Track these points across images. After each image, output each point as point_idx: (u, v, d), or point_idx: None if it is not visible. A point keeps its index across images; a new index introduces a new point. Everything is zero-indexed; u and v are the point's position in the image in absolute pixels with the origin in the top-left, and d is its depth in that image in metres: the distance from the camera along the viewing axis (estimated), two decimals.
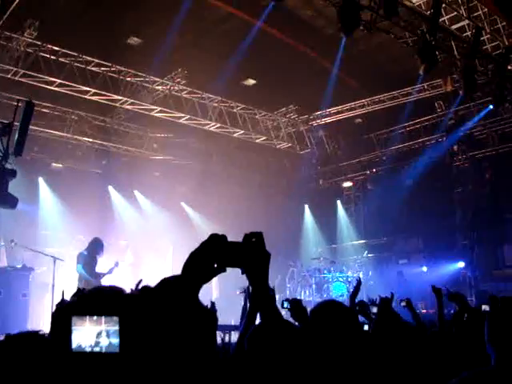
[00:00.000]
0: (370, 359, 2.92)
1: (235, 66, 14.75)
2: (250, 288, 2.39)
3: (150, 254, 18.85)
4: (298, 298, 17.62)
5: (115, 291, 2.36)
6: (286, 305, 5.01)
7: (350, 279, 17.37)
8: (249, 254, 2.22)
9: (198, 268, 2.15)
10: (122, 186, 19.61)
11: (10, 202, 10.94)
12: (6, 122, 10.53)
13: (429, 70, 12.53)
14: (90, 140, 18.36)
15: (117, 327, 2.15)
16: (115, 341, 2.15)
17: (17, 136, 10.38)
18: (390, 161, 19.39)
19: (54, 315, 4.20)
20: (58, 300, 10.90)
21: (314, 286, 17.64)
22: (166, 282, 2.49)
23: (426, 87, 16.68)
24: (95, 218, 16.74)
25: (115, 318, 2.16)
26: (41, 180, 17.96)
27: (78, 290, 4.18)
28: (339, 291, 17.40)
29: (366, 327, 5.43)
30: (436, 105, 17.69)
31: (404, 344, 3.74)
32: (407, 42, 13.27)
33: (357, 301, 6.75)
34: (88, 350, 2.14)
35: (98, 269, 12.32)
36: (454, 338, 4.96)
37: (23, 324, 10.26)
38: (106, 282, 11.82)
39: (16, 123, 10.84)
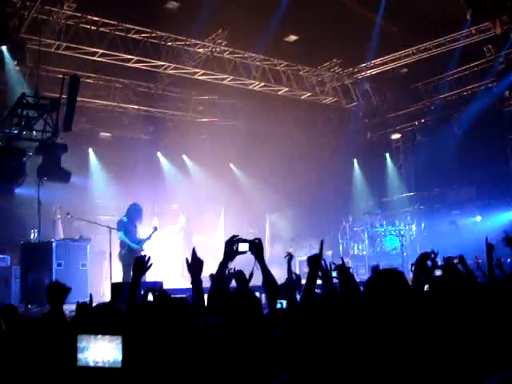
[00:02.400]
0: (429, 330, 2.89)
1: (276, 22, 14.54)
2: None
3: (202, 217, 19.04)
4: (351, 252, 17.70)
5: (117, 310, 2.55)
6: (334, 274, 5.11)
7: (402, 232, 17.26)
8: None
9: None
10: (170, 151, 19.78)
11: (64, 176, 11.20)
12: (53, 97, 10.68)
13: (476, 15, 12.05)
14: (136, 107, 18.52)
15: (120, 345, 2.31)
16: (118, 357, 2.30)
17: (65, 111, 10.53)
18: (439, 110, 18.82)
19: None
20: (115, 268, 11.18)
21: (366, 240, 17.61)
22: (167, 301, 2.75)
23: (473, 32, 16.05)
24: (146, 184, 16.97)
25: (118, 337, 2.32)
26: (90, 150, 18.25)
27: (80, 305, 4.28)
28: (392, 245, 17.34)
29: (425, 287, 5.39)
30: (485, 49, 17.03)
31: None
32: None
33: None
34: (92, 364, 2.31)
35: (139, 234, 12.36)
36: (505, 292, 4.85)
37: (85, 293, 10.57)
38: (146, 247, 11.91)
39: (63, 96, 10.98)
